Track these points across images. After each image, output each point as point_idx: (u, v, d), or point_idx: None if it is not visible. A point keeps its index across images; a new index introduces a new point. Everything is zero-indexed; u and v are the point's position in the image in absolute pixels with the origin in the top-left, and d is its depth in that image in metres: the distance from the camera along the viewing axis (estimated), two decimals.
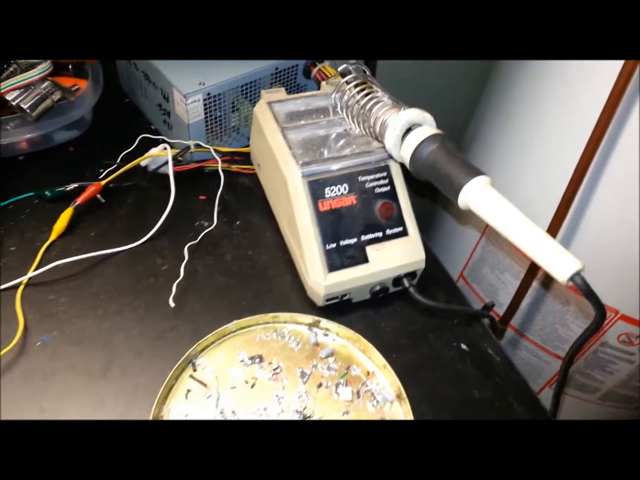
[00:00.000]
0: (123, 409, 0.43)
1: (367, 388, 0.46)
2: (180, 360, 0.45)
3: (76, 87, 0.62)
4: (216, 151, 0.61)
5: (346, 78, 0.53)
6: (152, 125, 0.70)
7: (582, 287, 0.37)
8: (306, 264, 0.49)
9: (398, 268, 0.51)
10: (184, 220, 0.58)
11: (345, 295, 0.51)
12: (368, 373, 0.47)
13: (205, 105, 0.59)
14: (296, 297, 0.53)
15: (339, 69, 0.56)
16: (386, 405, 0.45)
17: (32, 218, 0.56)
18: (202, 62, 0.59)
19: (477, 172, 0.42)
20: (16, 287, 0.50)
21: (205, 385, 0.45)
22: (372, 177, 0.51)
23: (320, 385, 0.46)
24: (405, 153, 0.46)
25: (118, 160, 0.62)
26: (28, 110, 0.57)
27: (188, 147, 0.60)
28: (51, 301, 0.50)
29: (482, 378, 0.49)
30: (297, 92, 0.69)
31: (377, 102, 0.50)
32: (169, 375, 0.44)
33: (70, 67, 0.64)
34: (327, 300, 0.50)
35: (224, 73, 0.60)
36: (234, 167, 0.64)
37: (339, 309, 0.51)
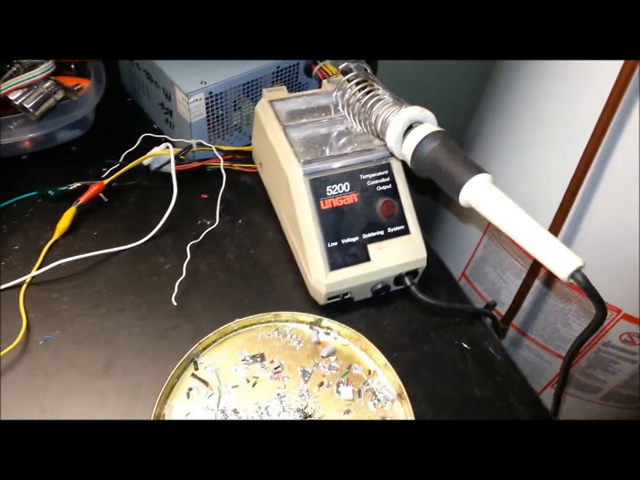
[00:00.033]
0: (125, 407, 0.44)
1: (368, 387, 0.46)
2: (182, 359, 0.45)
3: (79, 86, 0.62)
4: (218, 150, 0.61)
5: (347, 76, 0.53)
6: (154, 125, 0.70)
7: (582, 284, 0.37)
8: (308, 263, 0.49)
9: (400, 266, 0.51)
10: (186, 219, 0.58)
11: (346, 293, 0.51)
12: (369, 372, 0.47)
13: (207, 104, 0.60)
14: (298, 296, 0.53)
15: (340, 67, 0.56)
16: (387, 404, 0.45)
17: (35, 217, 0.57)
18: (203, 61, 0.59)
19: (478, 170, 0.42)
20: (19, 285, 0.50)
21: (206, 383, 0.45)
22: (373, 175, 0.51)
23: (321, 384, 0.46)
24: (406, 151, 0.46)
25: (120, 160, 0.62)
26: (31, 110, 0.57)
27: (190, 146, 0.61)
28: (54, 300, 0.50)
29: (483, 377, 0.49)
30: (299, 91, 0.69)
31: (379, 100, 0.50)
32: (171, 374, 0.44)
33: (72, 66, 0.64)
34: (329, 298, 0.50)
35: (226, 72, 0.60)
36: (236, 166, 0.64)
37: (340, 307, 0.51)
